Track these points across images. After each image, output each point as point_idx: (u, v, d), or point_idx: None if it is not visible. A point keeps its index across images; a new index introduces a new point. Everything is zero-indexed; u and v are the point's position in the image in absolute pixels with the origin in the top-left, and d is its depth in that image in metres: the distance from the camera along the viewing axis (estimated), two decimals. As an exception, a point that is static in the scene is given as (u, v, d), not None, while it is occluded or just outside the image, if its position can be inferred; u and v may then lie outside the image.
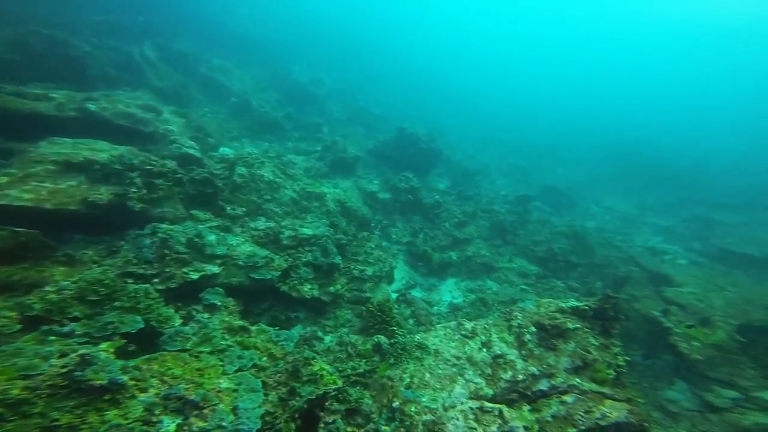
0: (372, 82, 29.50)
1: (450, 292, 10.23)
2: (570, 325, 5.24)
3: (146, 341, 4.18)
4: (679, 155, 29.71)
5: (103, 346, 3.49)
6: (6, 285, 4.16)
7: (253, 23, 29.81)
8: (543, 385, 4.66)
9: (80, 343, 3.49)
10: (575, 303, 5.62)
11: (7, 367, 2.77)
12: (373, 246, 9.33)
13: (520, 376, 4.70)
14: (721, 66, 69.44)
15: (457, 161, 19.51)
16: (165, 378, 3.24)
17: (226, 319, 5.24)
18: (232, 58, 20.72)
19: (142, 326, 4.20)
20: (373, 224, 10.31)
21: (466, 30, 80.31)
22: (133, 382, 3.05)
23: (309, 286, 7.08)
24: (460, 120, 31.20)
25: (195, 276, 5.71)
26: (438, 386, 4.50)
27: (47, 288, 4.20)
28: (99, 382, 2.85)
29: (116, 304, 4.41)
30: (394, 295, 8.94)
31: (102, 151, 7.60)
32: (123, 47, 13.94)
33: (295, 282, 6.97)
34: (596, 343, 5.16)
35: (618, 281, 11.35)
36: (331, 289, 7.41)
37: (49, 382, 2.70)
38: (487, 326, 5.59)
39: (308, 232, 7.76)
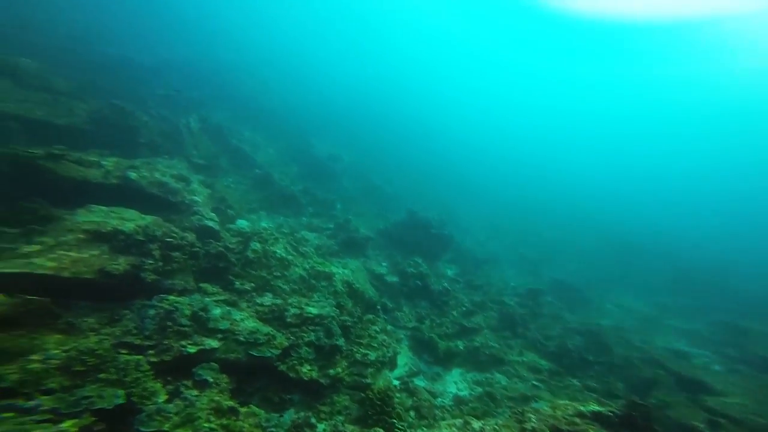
0: (388, 160, 29.47)
1: (455, 383, 9.11)
2: (592, 433, 4.45)
3: (122, 419, 3.57)
4: (694, 256, 28.75)
5: (66, 425, 2.97)
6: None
7: (284, 98, 30.73)
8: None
9: (39, 422, 2.98)
10: (597, 407, 4.88)
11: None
12: (377, 329, 8.68)
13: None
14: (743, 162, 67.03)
15: (467, 248, 19.27)
16: (128, 466, 2.64)
17: (216, 398, 4.58)
18: (262, 130, 21.19)
19: (122, 402, 3.65)
20: (378, 307, 9.76)
21: (486, 112, 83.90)
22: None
23: (308, 367, 6.36)
24: (471, 202, 31.22)
25: (192, 350, 5.22)
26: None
27: (33, 357, 3.82)
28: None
29: (101, 375, 3.94)
30: (396, 383, 7.95)
31: (130, 220, 7.71)
32: (174, 118, 14.92)
33: (295, 362, 6.31)
34: (626, 457, 4.29)
35: (644, 384, 10.11)
36: (331, 371, 6.64)
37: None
38: (496, 427, 4.79)
39: (314, 311, 7.32)
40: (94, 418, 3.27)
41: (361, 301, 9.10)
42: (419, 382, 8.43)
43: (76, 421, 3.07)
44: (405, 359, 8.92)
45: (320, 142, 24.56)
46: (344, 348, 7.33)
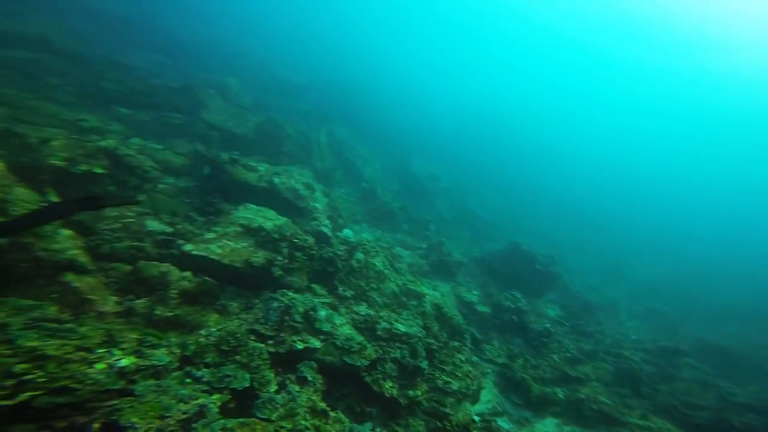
0: (489, 186, 28.53)
1: (548, 433, 8.22)
2: None
3: (243, 399, 4.60)
4: None
5: (215, 397, 4.01)
6: (181, 323, 5.39)
7: (393, 116, 32.65)
8: None
9: (203, 391, 4.10)
10: None
11: (156, 403, 3.46)
12: (462, 359, 8.50)
13: None
14: None
15: (576, 291, 16.88)
16: (245, 451, 3.46)
17: (313, 397, 5.38)
18: (372, 146, 22.80)
19: (247, 385, 4.68)
20: (466, 336, 9.50)
21: (613, 128, 74.00)
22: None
23: (390, 384, 6.76)
24: (586, 239, 27.52)
25: (300, 346, 6.20)
26: None
27: (201, 331, 5.24)
28: (201, 438, 3.26)
29: (236, 357, 5.11)
30: (476, 419, 7.67)
31: (270, 219, 9.41)
32: (308, 132, 17.39)
33: (379, 376, 6.78)
34: None
35: None
36: (411, 393, 6.89)
37: (170, 428, 3.21)
38: None
39: (402, 328, 7.67)
40: (230, 396, 4.35)
41: (449, 326, 9.02)
42: (503, 424, 7.94)
43: (220, 396, 4.16)
44: (489, 395, 8.50)
45: (421, 162, 25.14)
46: (426, 371, 7.46)
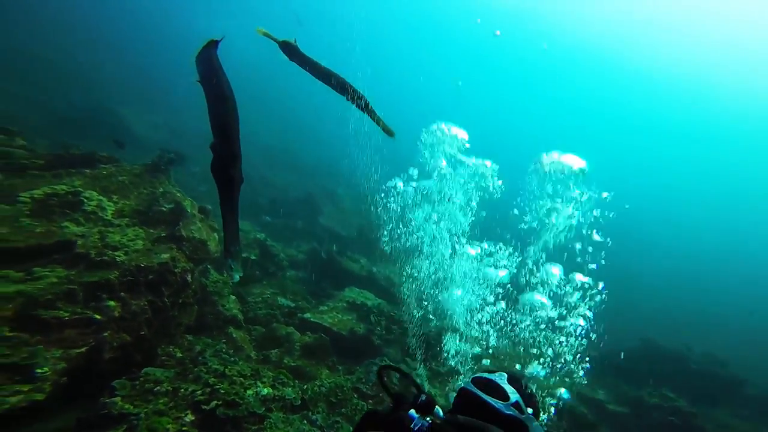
0: None
1: None
2: None
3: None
4: None
5: None
6: (302, 372, 6.03)
7: None
8: None
9: (315, 433, 4.39)
10: None
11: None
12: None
13: None
14: None
15: None
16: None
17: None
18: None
19: (351, 436, 4.74)
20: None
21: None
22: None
23: None
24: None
25: (396, 412, 5.99)
26: None
27: (316, 382, 5.74)
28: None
29: (342, 410, 5.30)
30: None
31: (370, 299, 10.31)
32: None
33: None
34: None
35: None
36: None
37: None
38: None
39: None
40: (337, 443, 4.48)
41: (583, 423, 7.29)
42: None
43: (329, 440, 4.35)
44: None
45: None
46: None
